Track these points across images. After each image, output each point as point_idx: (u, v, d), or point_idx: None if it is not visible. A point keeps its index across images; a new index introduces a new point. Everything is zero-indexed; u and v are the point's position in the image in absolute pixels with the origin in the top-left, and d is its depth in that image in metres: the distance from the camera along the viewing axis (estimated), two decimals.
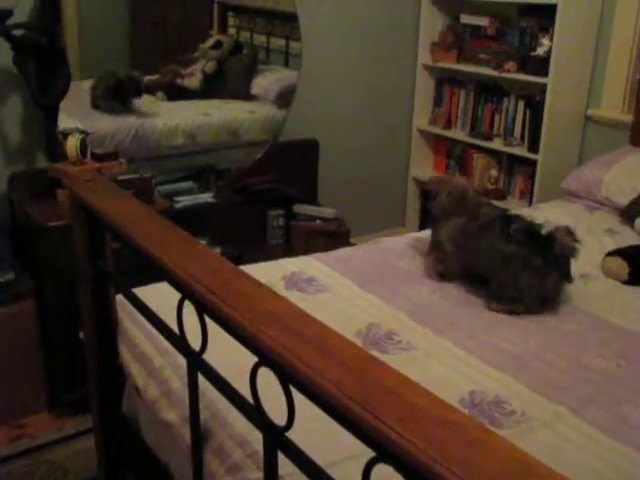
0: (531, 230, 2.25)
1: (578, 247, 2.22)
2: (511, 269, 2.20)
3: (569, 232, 2.22)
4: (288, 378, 1.08)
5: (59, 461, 2.62)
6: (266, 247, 3.70)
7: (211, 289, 1.27)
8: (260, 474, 1.33)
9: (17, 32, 2.76)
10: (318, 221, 3.69)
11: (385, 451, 0.91)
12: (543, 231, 2.24)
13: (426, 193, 2.43)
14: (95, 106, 3.23)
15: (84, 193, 1.83)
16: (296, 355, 1.05)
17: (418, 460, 0.84)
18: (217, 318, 1.27)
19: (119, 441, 2.15)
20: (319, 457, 1.16)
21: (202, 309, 1.32)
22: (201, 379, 1.44)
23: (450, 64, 4.28)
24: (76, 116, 3.08)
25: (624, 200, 3.11)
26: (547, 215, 3.10)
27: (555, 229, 2.23)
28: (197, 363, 1.42)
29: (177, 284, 1.40)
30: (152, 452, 1.96)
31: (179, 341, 1.46)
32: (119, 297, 2.03)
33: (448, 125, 4.43)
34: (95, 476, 2.31)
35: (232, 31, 3.65)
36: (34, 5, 2.88)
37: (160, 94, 3.41)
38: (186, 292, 1.37)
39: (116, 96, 3.23)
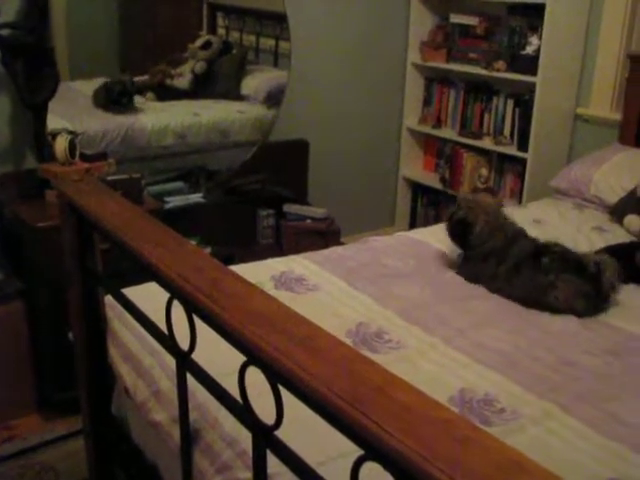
0: (569, 259, 2.26)
1: (618, 285, 2.23)
2: (561, 295, 2.19)
3: (615, 267, 2.22)
4: (277, 377, 1.08)
5: (49, 463, 2.61)
6: (256, 247, 3.69)
7: (200, 289, 1.27)
8: (249, 473, 1.32)
9: (4, 32, 2.74)
10: (308, 221, 3.68)
11: (374, 449, 0.91)
12: (591, 266, 2.22)
13: (462, 221, 2.40)
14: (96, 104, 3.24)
15: (73, 193, 1.82)
16: (285, 354, 1.05)
17: (406, 458, 0.84)
18: (206, 318, 1.27)
19: (109, 442, 2.14)
20: (308, 456, 1.16)
21: (191, 309, 1.31)
22: (190, 379, 1.44)
23: (440, 63, 4.28)
24: (65, 117, 3.07)
25: (613, 198, 3.12)
26: (537, 214, 3.11)
27: (601, 261, 2.23)
28: (186, 363, 1.42)
29: (166, 284, 1.40)
30: (142, 453, 1.95)
31: (168, 341, 1.46)
32: (108, 298, 2.03)
33: (438, 124, 4.43)
34: (86, 477, 2.31)
35: (221, 31, 3.64)
36: (21, 5, 2.87)
37: (150, 94, 3.41)
38: (175, 292, 1.37)
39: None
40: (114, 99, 3.24)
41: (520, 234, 2.41)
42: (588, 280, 2.19)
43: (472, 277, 2.40)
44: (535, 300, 2.22)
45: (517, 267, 2.29)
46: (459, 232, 2.43)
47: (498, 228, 2.39)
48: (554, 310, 2.19)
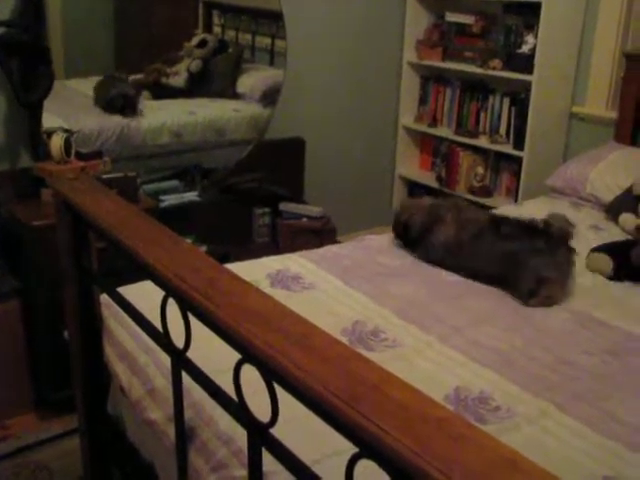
0: (522, 225, 2.35)
1: (573, 231, 2.32)
2: (520, 262, 2.26)
3: (564, 219, 2.32)
4: (272, 375, 1.08)
5: (45, 462, 2.60)
6: (252, 245, 3.69)
7: (195, 287, 1.27)
8: (245, 472, 1.32)
9: None
10: (304, 219, 3.68)
11: (369, 447, 0.90)
12: (538, 221, 2.33)
13: (404, 224, 2.64)
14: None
15: (68, 192, 1.82)
16: (280, 352, 1.05)
17: (401, 455, 0.84)
18: (201, 315, 1.26)
19: (105, 441, 2.14)
20: (303, 454, 1.16)
21: (186, 307, 1.31)
22: (185, 377, 1.44)
23: (436, 62, 4.28)
24: (61, 115, 3.06)
25: (609, 196, 3.12)
26: (532, 212, 3.11)
27: (550, 216, 2.34)
28: (181, 361, 1.42)
29: (161, 282, 1.40)
30: (138, 451, 1.95)
31: (163, 339, 1.46)
32: (103, 296, 2.02)
33: (434, 123, 4.43)
34: (80, 476, 2.30)
35: (217, 30, 3.64)
36: (17, 3, 2.86)
37: (145, 93, 3.40)
38: (170, 290, 1.36)
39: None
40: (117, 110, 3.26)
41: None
42: (539, 236, 2.28)
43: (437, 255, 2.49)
44: (502, 275, 2.30)
45: (478, 236, 2.39)
46: (401, 232, 2.64)
47: (436, 221, 2.53)
48: (520, 280, 2.25)
